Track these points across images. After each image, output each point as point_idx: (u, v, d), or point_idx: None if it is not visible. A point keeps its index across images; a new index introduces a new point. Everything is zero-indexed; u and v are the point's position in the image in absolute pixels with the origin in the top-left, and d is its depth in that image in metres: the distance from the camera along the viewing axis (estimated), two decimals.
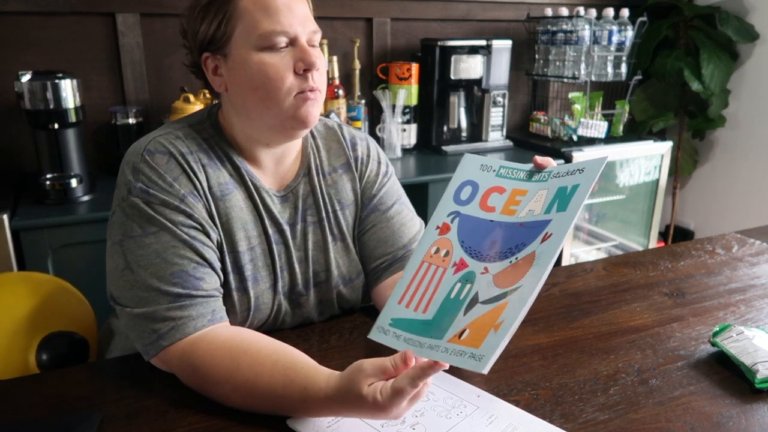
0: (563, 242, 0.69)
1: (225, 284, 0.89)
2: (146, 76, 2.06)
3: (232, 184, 0.91)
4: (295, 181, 0.98)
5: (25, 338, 1.07)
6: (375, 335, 0.77)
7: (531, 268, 0.69)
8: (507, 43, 2.41)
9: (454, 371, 0.82)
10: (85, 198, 1.73)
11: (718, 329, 0.92)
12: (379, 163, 1.05)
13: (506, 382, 0.84)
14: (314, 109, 0.88)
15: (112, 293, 0.85)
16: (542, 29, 2.54)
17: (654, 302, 1.10)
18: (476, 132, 2.50)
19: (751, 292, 1.14)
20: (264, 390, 0.74)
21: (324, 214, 0.99)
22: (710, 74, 2.57)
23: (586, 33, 2.40)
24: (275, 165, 0.96)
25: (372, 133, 2.31)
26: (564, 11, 2.44)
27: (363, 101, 2.28)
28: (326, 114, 2.13)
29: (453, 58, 2.31)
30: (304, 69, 0.86)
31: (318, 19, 0.91)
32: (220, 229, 0.89)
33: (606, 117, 2.59)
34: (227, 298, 0.89)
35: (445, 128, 2.44)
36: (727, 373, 0.87)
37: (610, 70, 2.48)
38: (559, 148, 2.41)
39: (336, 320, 1.02)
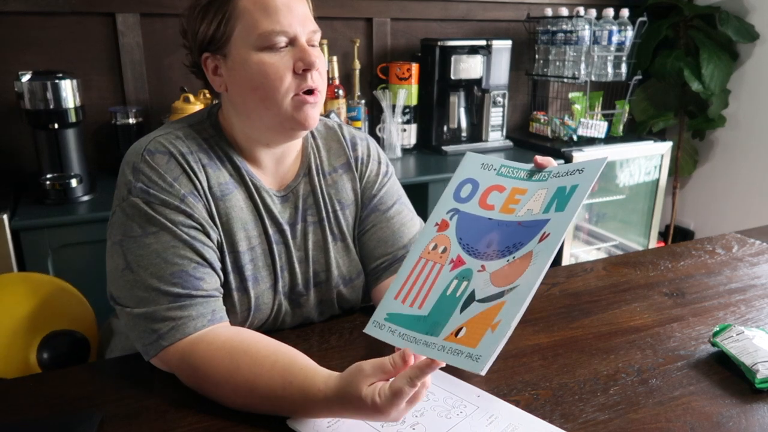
0: (561, 242, 0.69)
1: (225, 284, 0.89)
2: (146, 76, 2.06)
3: (233, 184, 0.91)
4: (295, 181, 0.98)
5: (26, 337, 1.07)
6: (370, 330, 0.77)
7: (528, 267, 0.69)
8: (507, 43, 2.41)
9: (454, 371, 0.82)
10: (85, 198, 1.73)
11: (718, 329, 0.92)
12: (380, 163, 1.05)
13: (506, 382, 0.84)
14: (314, 111, 0.88)
15: (112, 293, 0.85)
16: (542, 29, 2.54)
17: (654, 302, 1.10)
18: (476, 132, 2.50)
19: (751, 292, 1.14)
20: (263, 391, 0.74)
21: (324, 214, 0.99)
22: (710, 74, 2.57)
23: (586, 33, 2.40)
24: (275, 165, 0.96)
25: (372, 133, 2.31)
26: (564, 11, 2.44)
27: (363, 101, 2.28)
28: (326, 114, 2.13)
29: (453, 58, 2.31)
30: (303, 69, 0.86)
31: (318, 19, 0.92)
32: (220, 229, 0.89)
33: (606, 117, 2.59)
34: (227, 298, 0.89)
35: (445, 128, 2.44)
36: (727, 373, 0.87)
37: (610, 70, 2.48)
38: (559, 148, 2.41)
39: (336, 320, 1.02)
